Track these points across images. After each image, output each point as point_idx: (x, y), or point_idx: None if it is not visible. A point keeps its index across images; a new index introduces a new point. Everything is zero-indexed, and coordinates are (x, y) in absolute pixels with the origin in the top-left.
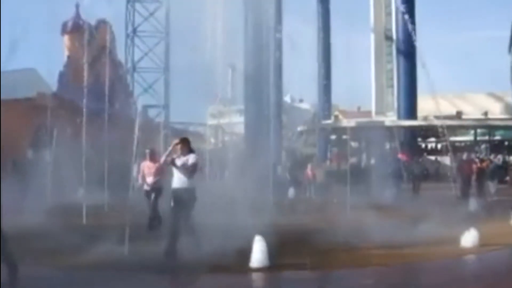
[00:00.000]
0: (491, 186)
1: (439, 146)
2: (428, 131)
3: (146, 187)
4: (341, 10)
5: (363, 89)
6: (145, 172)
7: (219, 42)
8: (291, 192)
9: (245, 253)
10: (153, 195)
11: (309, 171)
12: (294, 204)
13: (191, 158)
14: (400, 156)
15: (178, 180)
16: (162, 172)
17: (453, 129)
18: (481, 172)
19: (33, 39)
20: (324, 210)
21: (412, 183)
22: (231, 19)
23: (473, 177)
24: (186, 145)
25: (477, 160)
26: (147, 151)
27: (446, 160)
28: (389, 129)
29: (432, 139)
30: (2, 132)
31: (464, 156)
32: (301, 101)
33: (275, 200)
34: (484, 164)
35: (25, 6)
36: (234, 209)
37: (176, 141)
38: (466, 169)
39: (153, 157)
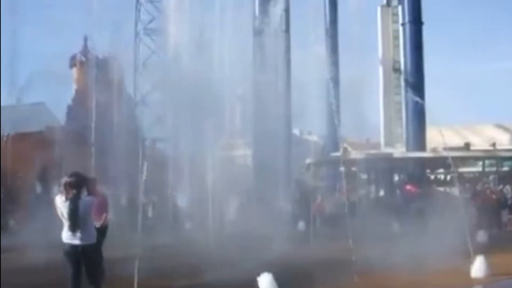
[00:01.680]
0: (504, 216)
1: (448, 177)
2: (437, 162)
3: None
4: (349, 42)
5: (372, 121)
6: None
7: (227, 75)
8: (300, 224)
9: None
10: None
11: (318, 203)
12: (304, 237)
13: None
14: (408, 187)
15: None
16: (105, 207)
17: (462, 160)
18: (496, 202)
19: (41, 73)
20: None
21: (418, 214)
22: (240, 52)
23: (488, 207)
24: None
25: (490, 190)
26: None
27: (455, 191)
28: (398, 160)
29: (441, 170)
30: (12, 165)
31: (479, 186)
32: (309, 133)
33: (285, 232)
34: (496, 195)
35: (35, 40)
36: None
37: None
38: (480, 199)
39: (93, 189)
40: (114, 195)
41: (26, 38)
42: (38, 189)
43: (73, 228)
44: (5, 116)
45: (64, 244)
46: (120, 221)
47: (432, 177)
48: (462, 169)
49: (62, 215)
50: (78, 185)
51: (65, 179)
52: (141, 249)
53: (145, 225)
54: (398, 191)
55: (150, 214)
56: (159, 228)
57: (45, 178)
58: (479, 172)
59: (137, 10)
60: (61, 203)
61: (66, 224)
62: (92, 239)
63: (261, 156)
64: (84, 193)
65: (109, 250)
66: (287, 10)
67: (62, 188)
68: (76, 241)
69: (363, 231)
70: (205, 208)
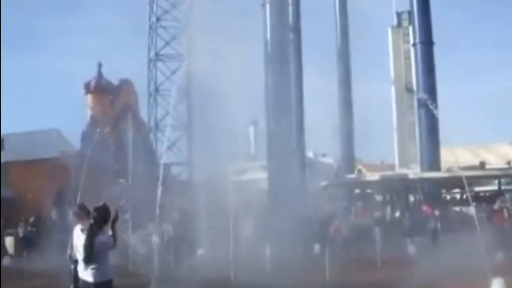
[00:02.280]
0: None
1: (463, 196)
2: (452, 182)
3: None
4: (362, 63)
5: (385, 142)
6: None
7: (240, 99)
8: (316, 247)
9: None
10: None
11: (336, 226)
12: (322, 260)
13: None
14: (425, 208)
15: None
16: None
17: (477, 179)
18: None
19: (56, 99)
20: (351, 265)
21: (431, 235)
22: (252, 76)
23: (506, 227)
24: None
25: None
26: (75, 209)
27: (471, 211)
28: (413, 181)
29: (457, 190)
30: (27, 190)
31: (496, 205)
32: (324, 155)
33: (302, 256)
34: None
35: (50, 66)
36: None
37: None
38: (497, 219)
39: (81, 216)
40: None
41: (42, 64)
42: (53, 215)
43: (87, 261)
44: (19, 142)
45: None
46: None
47: (448, 197)
48: (478, 188)
49: (76, 247)
50: (100, 219)
51: (76, 208)
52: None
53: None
54: (414, 212)
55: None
56: (174, 254)
57: (60, 204)
58: (494, 191)
59: (150, 36)
60: (76, 234)
61: (79, 256)
62: (107, 276)
63: (276, 179)
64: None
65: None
66: (298, 34)
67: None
68: (89, 278)
69: (381, 253)
70: (221, 232)
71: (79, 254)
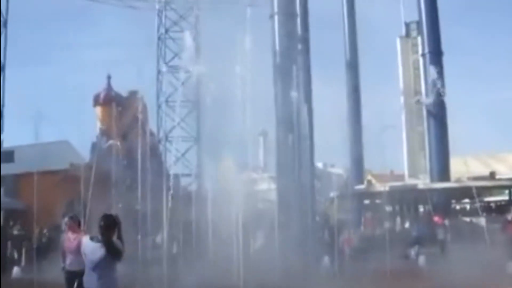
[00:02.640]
0: None
1: (474, 207)
2: (462, 192)
3: (67, 268)
4: (370, 73)
5: (395, 153)
6: (65, 247)
7: (249, 110)
8: (326, 258)
9: None
10: (76, 283)
11: (346, 238)
12: (334, 272)
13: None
14: (436, 219)
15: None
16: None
17: (487, 190)
18: None
19: (65, 111)
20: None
21: (440, 246)
22: (261, 86)
23: None
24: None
25: None
26: (66, 219)
27: (482, 221)
28: (422, 192)
29: (467, 200)
30: (37, 202)
31: (510, 216)
32: (333, 166)
33: (312, 267)
34: None
35: (60, 78)
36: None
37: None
38: (511, 229)
39: (74, 227)
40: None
41: (51, 76)
42: (64, 227)
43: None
44: (30, 154)
45: None
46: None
47: (458, 207)
48: (488, 199)
49: (85, 255)
50: (105, 227)
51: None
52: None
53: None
54: (423, 223)
55: (174, 250)
56: (184, 265)
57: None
58: (505, 201)
59: (159, 47)
60: (87, 243)
61: (87, 267)
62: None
63: (285, 190)
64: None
65: None
66: (307, 45)
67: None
68: None
69: (390, 264)
70: (230, 244)
71: (90, 262)
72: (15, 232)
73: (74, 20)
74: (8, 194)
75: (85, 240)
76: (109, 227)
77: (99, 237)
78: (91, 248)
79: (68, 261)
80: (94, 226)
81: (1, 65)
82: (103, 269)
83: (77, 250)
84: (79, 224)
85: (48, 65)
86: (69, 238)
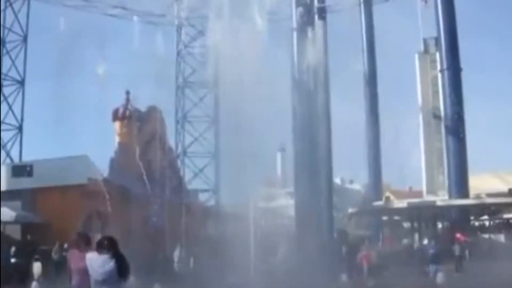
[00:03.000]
0: None
1: (492, 223)
2: (481, 209)
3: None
4: (389, 89)
5: (413, 169)
6: (72, 265)
7: (268, 125)
8: (343, 275)
9: None
10: None
11: (364, 254)
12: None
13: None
14: (458, 236)
15: None
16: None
17: (506, 206)
18: None
19: (84, 126)
20: None
21: (457, 262)
22: (280, 102)
23: None
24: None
25: None
26: (74, 236)
27: (501, 238)
28: (441, 208)
29: (485, 217)
30: (56, 217)
31: None
32: (351, 182)
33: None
34: None
35: (78, 93)
36: None
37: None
38: None
39: (80, 245)
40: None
41: (70, 91)
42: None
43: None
44: (48, 169)
45: None
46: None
47: (477, 223)
48: (507, 215)
49: (94, 270)
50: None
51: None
52: None
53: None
54: (440, 239)
55: (191, 265)
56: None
57: (88, 231)
58: None
59: (178, 63)
60: (93, 257)
61: (95, 284)
62: None
63: (303, 206)
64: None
65: None
66: (326, 60)
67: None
68: None
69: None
70: (248, 259)
71: (100, 275)
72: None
73: (93, 35)
74: (26, 208)
75: (91, 255)
76: (113, 244)
77: (105, 250)
78: (100, 261)
79: (74, 281)
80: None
81: (21, 80)
82: (113, 284)
83: (85, 270)
84: (88, 242)
85: (67, 79)
86: (75, 257)
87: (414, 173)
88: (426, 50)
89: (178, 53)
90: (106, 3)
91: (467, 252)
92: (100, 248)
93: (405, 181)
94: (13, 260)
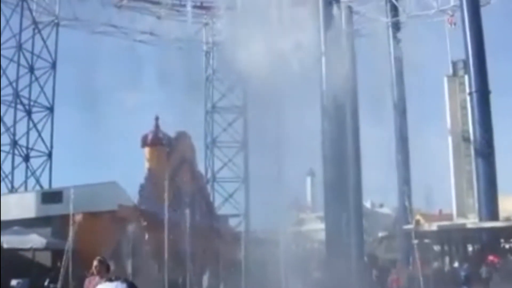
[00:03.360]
0: None
1: None
2: (511, 231)
3: None
4: (418, 112)
5: (443, 192)
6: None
7: (297, 150)
8: None
9: None
10: None
11: (395, 278)
12: None
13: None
14: (491, 258)
15: None
16: None
17: None
18: None
19: (114, 152)
20: None
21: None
22: (309, 127)
23: None
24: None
25: None
26: (95, 262)
27: None
28: (471, 231)
29: None
30: (86, 243)
31: None
32: (381, 206)
33: None
34: None
35: (108, 120)
36: None
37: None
38: None
39: (101, 271)
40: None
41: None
42: (112, 267)
43: None
44: (78, 195)
45: None
46: None
47: (507, 246)
48: None
49: None
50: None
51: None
52: None
53: None
54: (469, 262)
55: None
56: None
57: (118, 256)
58: None
59: (207, 88)
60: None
61: None
62: None
63: (333, 230)
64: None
65: None
66: (354, 85)
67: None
68: None
69: None
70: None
71: None
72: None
73: (122, 61)
74: (57, 235)
75: (103, 285)
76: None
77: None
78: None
79: None
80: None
81: (50, 106)
82: None
83: None
84: (108, 268)
85: (96, 106)
86: (93, 283)
87: (444, 196)
88: (454, 73)
89: (207, 78)
90: (135, 29)
91: (495, 274)
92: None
93: (435, 204)
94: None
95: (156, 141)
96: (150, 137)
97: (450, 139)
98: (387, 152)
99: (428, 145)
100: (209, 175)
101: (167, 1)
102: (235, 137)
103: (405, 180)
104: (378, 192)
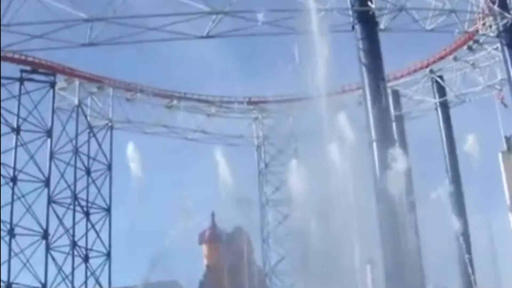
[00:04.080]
0: None
1: None
2: None
3: None
4: (474, 190)
5: (507, 269)
6: None
7: (354, 237)
8: None
9: None
10: None
11: None
12: None
13: None
14: None
15: None
16: None
17: None
18: None
19: (172, 250)
20: None
21: None
22: (366, 214)
23: None
24: None
25: None
26: None
27: None
28: None
29: None
30: None
31: None
32: None
33: None
34: None
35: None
36: None
37: None
38: None
39: None
40: None
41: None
42: None
43: None
44: None
45: None
46: None
47: None
48: None
49: None
50: None
51: None
52: None
53: None
54: None
55: None
56: None
57: None
58: None
59: (260, 181)
60: None
61: None
62: None
63: None
64: None
65: None
66: (408, 168)
67: None
68: None
69: None
70: None
71: None
72: None
73: (175, 159)
74: None
75: None
76: None
77: None
78: None
79: None
80: None
81: (107, 207)
82: None
83: None
84: None
85: (153, 203)
86: None
87: (508, 273)
88: (509, 149)
89: (260, 172)
90: (186, 128)
91: None
92: None
93: (499, 282)
94: None
95: (214, 237)
96: (207, 234)
97: (510, 215)
98: (446, 232)
99: (488, 221)
100: (267, 268)
101: (216, 99)
102: (291, 229)
103: (467, 260)
104: (441, 275)
